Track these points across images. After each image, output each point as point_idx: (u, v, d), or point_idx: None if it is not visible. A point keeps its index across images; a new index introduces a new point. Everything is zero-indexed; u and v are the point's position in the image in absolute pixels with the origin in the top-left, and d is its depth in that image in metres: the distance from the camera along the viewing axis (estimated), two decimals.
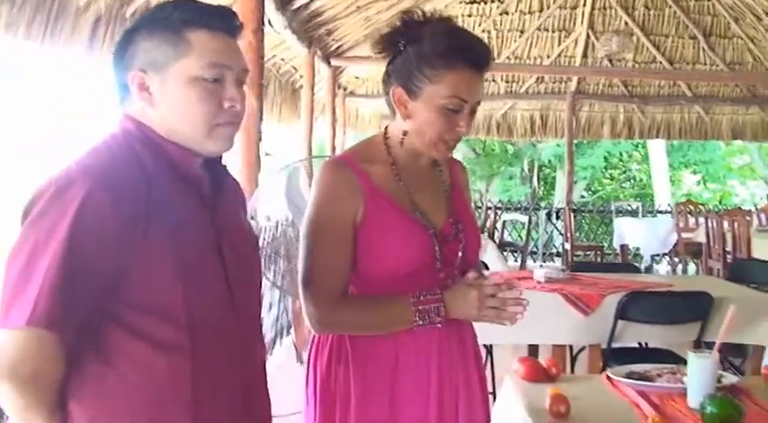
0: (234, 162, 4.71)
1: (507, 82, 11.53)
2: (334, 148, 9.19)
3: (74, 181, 1.32)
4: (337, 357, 1.86)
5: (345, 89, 10.90)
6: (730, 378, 2.36)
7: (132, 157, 1.40)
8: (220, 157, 1.55)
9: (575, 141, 12.19)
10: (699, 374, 2.11)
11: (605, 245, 11.86)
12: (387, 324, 1.84)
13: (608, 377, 2.38)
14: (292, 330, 6.47)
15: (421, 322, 1.79)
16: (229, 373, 1.47)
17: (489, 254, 6.53)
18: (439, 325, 1.80)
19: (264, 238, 5.58)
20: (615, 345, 4.01)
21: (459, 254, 1.89)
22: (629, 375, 2.35)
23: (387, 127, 1.93)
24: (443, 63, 1.78)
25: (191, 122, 1.44)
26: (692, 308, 3.96)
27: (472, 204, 2.07)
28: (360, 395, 1.83)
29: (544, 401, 2.06)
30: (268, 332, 6.23)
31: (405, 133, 1.87)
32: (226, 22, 1.48)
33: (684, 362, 3.85)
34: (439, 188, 1.95)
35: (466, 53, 1.79)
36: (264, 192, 4.39)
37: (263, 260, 5.11)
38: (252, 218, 4.35)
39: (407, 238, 1.82)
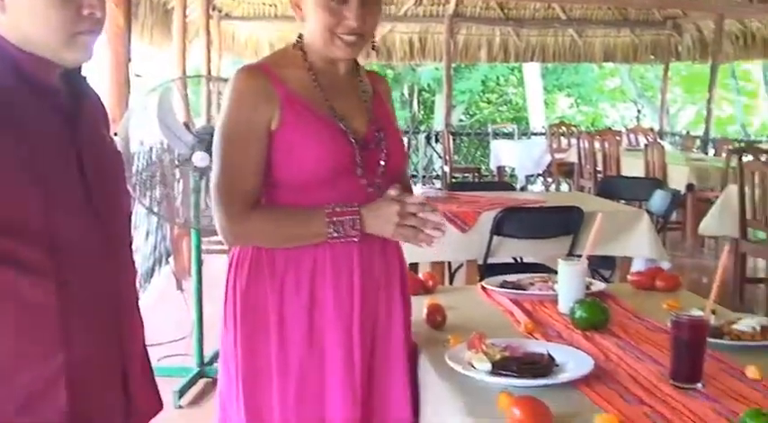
0: (101, 83, 4.52)
1: (386, 4, 11.44)
2: (209, 71, 8.92)
3: None
4: (256, 272, 1.82)
5: (221, 11, 10.58)
6: (598, 285, 2.46)
7: None
8: (79, 69, 1.46)
9: (453, 65, 12.28)
10: (568, 281, 2.18)
11: (483, 167, 12.13)
12: (301, 236, 1.80)
13: (483, 287, 2.44)
14: (171, 258, 6.37)
15: (335, 234, 1.76)
16: (98, 296, 1.41)
17: None
18: (355, 239, 1.78)
19: (139, 164, 5.42)
20: (491, 260, 4.12)
21: (382, 161, 1.86)
22: (503, 285, 2.42)
23: (301, 34, 1.88)
24: None
25: (47, 30, 1.35)
26: (563, 222, 4.09)
27: (396, 119, 2.03)
28: (278, 310, 1.80)
29: (421, 312, 2.09)
30: (146, 261, 6.11)
31: (300, 36, 1.85)
32: None
33: (556, 273, 4.01)
34: (359, 96, 1.91)
35: None
36: (135, 114, 4.23)
37: (138, 187, 4.98)
38: (117, 137, 4.19)
39: (326, 143, 1.79)
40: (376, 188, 1.83)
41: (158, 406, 1.61)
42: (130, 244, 1.59)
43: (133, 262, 1.58)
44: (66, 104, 1.40)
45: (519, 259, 4.69)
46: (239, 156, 1.79)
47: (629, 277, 2.62)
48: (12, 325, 1.30)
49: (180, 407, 3.72)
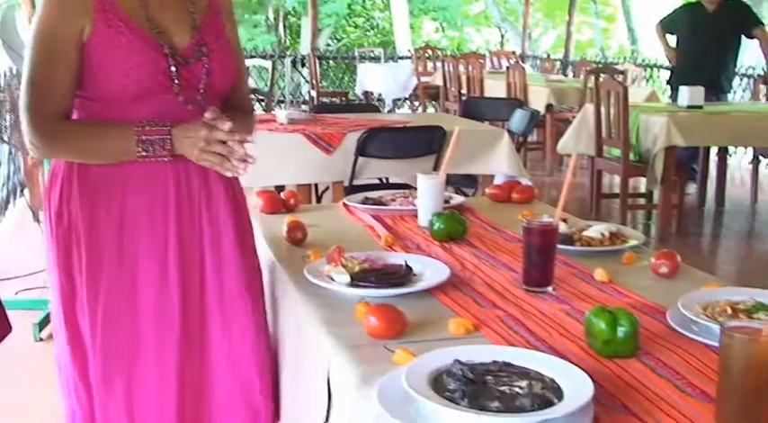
0: None
1: None
2: None
3: None
4: (68, 187, 1.76)
5: None
6: (457, 198, 2.50)
7: None
8: None
9: None
10: (427, 194, 2.21)
11: (350, 91, 12.06)
12: (109, 152, 1.73)
13: (345, 204, 2.44)
14: (26, 191, 6.09)
15: (144, 153, 1.70)
16: None
17: None
18: (165, 159, 1.71)
19: None
20: (357, 181, 4.13)
21: (203, 78, 1.78)
22: (365, 201, 2.43)
23: None
24: None
25: None
26: (426, 142, 4.13)
27: (236, 34, 1.94)
28: (88, 227, 1.75)
29: (282, 230, 2.08)
30: None
31: None
32: None
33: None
34: (185, 7, 1.81)
35: None
36: None
37: None
38: None
39: (137, 57, 1.70)
40: (197, 106, 1.76)
41: (7, 329, 1.54)
42: None
43: None
44: None
45: (385, 180, 4.72)
46: (47, 67, 1.70)
47: (486, 190, 2.68)
48: None
49: (40, 339, 3.60)
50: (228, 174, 1.71)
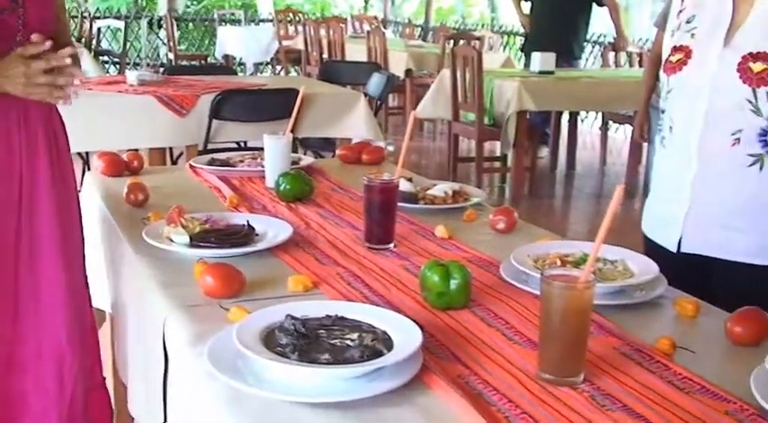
0: None
1: None
2: None
3: None
4: None
5: None
6: (307, 160, 2.50)
7: None
8: None
9: None
10: (273, 154, 2.19)
11: (210, 55, 11.79)
12: None
13: (191, 166, 2.39)
14: None
15: None
16: None
17: (84, 61, 6.16)
18: None
19: None
20: (213, 145, 4.06)
21: (19, 29, 1.74)
22: (211, 162, 2.39)
23: None
24: None
25: None
26: (283, 105, 4.07)
27: None
28: None
29: (123, 192, 2.02)
30: None
31: None
32: None
33: None
34: None
35: None
36: None
37: None
38: None
39: None
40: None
41: None
42: None
43: None
44: None
45: (243, 144, 4.66)
46: None
47: (337, 152, 2.69)
48: None
49: None
50: (60, 102, 1.70)
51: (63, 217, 1.88)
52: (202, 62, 10.71)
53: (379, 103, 5.11)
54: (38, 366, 1.88)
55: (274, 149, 2.18)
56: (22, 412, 1.90)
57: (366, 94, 4.77)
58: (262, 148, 4.02)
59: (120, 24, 10.40)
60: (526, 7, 7.13)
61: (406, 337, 1.20)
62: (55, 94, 1.68)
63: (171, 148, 4.53)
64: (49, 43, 1.67)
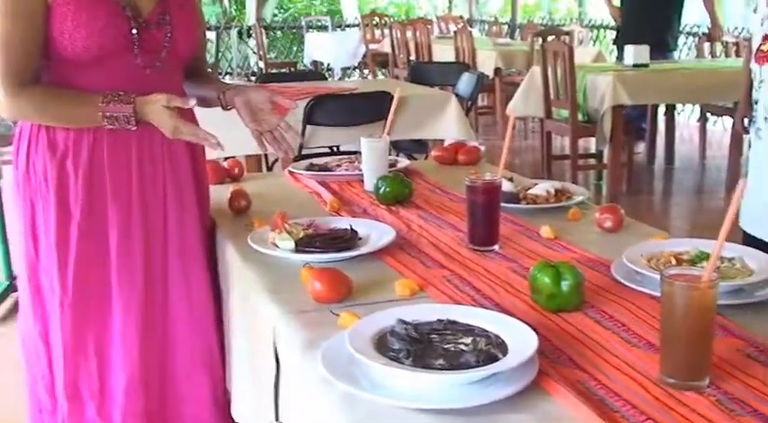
0: None
1: None
2: None
3: None
4: (35, 146, 1.78)
5: None
6: (403, 161, 2.49)
7: None
8: None
9: None
10: (371, 158, 2.19)
11: (299, 62, 11.93)
12: (75, 121, 1.76)
13: (290, 172, 2.41)
14: None
15: (111, 126, 1.72)
16: None
17: None
18: (132, 128, 1.73)
19: None
20: (307, 150, 4.09)
21: (165, 44, 1.80)
22: (310, 168, 2.40)
23: None
24: None
25: None
26: (375, 108, 4.09)
27: (199, 6, 1.96)
28: (57, 186, 1.77)
29: (226, 199, 2.04)
30: None
31: None
32: None
33: None
34: None
35: None
36: None
37: None
38: None
39: (98, 19, 1.70)
40: (155, 70, 1.80)
41: None
42: None
43: None
44: None
45: (336, 148, 4.69)
46: (12, 28, 1.69)
47: (432, 153, 2.67)
48: None
49: None
50: (206, 143, 1.75)
51: (203, 219, 1.94)
52: (292, 69, 10.85)
53: (469, 103, 5.06)
54: (191, 372, 1.90)
55: (372, 152, 2.18)
56: (178, 420, 1.92)
57: (457, 95, 4.73)
58: (356, 152, 4.07)
59: (212, 35, 10.62)
60: (616, 0, 6.98)
61: (520, 340, 1.17)
62: (201, 136, 1.73)
63: (266, 155, 4.58)
64: (193, 103, 1.73)
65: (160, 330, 1.86)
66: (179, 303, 1.87)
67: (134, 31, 1.75)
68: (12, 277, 3.83)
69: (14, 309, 3.71)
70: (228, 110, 1.94)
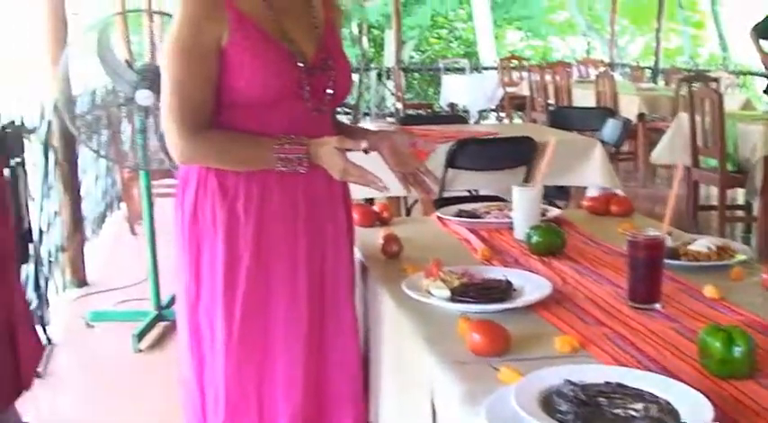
0: (38, 23, 4.35)
1: None
2: (150, 9, 8.68)
3: None
4: (204, 190, 1.83)
5: None
6: (553, 211, 2.45)
7: None
8: None
9: (401, 0, 12.09)
10: (523, 206, 2.16)
11: (435, 103, 12.03)
12: (248, 163, 1.81)
13: (439, 217, 2.41)
14: (122, 203, 6.25)
15: (284, 168, 1.78)
16: None
17: None
18: (303, 171, 1.78)
19: (82, 106, 5.26)
20: (446, 194, 4.10)
21: (329, 89, 1.86)
22: (459, 214, 2.40)
23: None
24: None
25: None
26: (516, 153, 4.08)
27: (344, 46, 2.02)
28: (226, 229, 1.81)
29: (377, 243, 2.06)
30: (97, 206, 5.99)
31: None
32: None
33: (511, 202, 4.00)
34: (310, 21, 1.89)
35: None
36: (75, 54, 4.09)
37: (83, 130, 4.84)
38: (57, 77, 4.04)
39: (273, 65, 1.77)
40: (322, 113, 1.86)
41: (41, 350, 1.52)
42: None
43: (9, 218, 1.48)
44: None
45: (474, 192, 4.68)
46: (188, 74, 1.76)
47: (583, 203, 2.62)
48: None
49: (139, 351, 3.67)
50: (373, 186, 1.77)
51: (352, 261, 1.98)
52: (428, 111, 10.95)
53: (613, 149, 4.96)
54: (340, 407, 1.92)
55: (524, 201, 2.16)
56: None
57: (600, 141, 4.65)
58: (499, 198, 4.05)
59: (354, 78, 10.84)
60: (766, 45, 6.72)
61: (692, 408, 1.12)
62: (368, 179, 1.76)
63: (405, 198, 4.62)
64: (364, 145, 1.77)
65: (314, 368, 1.89)
66: (331, 341, 1.90)
67: (303, 76, 1.81)
68: (159, 307, 3.98)
69: (161, 338, 3.87)
70: (367, 153, 1.94)
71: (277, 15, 1.82)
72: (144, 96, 3.62)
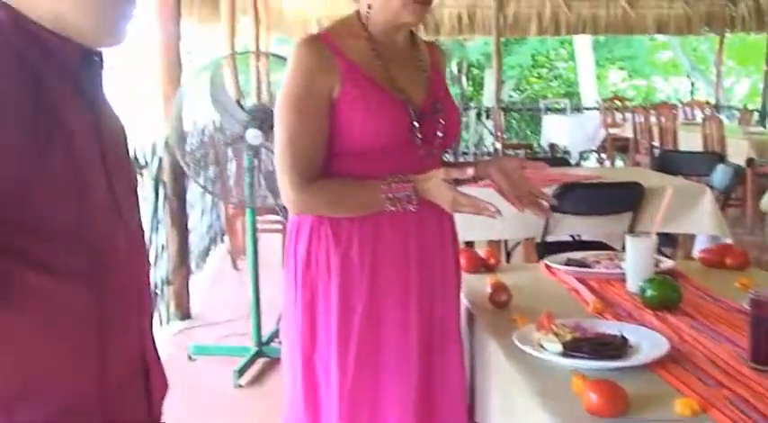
0: (153, 63, 4.52)
1: None
2: (258, 50, 8.93)
3: None
4: (317, 238, 1.85)
5: None
6: (667, 262, 2.38)
7: (8, 48, 1.16)
8: (99, 52, 1.38)
9: (502, 39, 12.08)
10: (637, 257, 2.11)
11: (535, 143, 11.93)
12: (359, 208, 1.83)
13: (546, 265, 2.37)
14: (226, 238, 6.39)
15: (393, 208, 1.79)
16: (126, 296, 1.34)
17: None
18: (413, 209, 1.79)
19: (192, 143, 5.42)
20: (549, 238, 4.04)
21: (440, 132, 1.88)
22: (568, 263, 2.35)
23: (369, 4, 1.87)
24: None
25: (95, 11, 1.27)
26: (623, 198, 4.00)
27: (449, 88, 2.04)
28: (340, 276, 1.83)
29: (484, 291, 2.04)
30: (202, 240, 6.14)
31: (369, 6, 1.85)
32: None
33: (617, 250, 3.91)
34: (417, 66, 1.93)
35: None
36: (188, 93, 4.22)
37: (191, 166, 4.99)
38: (171, 116, 4.18)
39: (386, 114, 1.80)
40: (433, 157, 1.88)
41: (166, 387, 1.54)
42: (143, 231, 1.50)
43: (147, 249, 1.51)
44: (87, 88, 1.32)
45: (577, 237, 4.60)
46: (300, 127, 1.80)
47: (696, 254, 2.55)
48: (47, 337, 1.18)
49: (239, 386, 3.72)
50: (486, 213, 1.78)
51: (459, 305, 1.98)
52: (528, 151, 10.87)
53: (723, 196, 4.81)
54: None
55: (638, 252, 2.10)
56: None
57: (709, 186, 4.52)
58: (603, 244, 3.96)
59: None
60: None
61: None
62: (481, 206, 1.76)
63: (506, 241, 4.58)
64: (471, 172, 1.77)
65: (423, 417, 1.87)
66: (439, 391, 1.89)
67: (415, 124, 1.83)
68: (260, 343, 4.03)
69: (261, 374, 3.91)
70: (476, 182, 1.93)
71: (385, 63, 1.85)
72: (254, 135, 3.71)
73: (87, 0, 1.24)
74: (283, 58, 4.14)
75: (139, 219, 1.42)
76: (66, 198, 1.19)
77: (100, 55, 1.32)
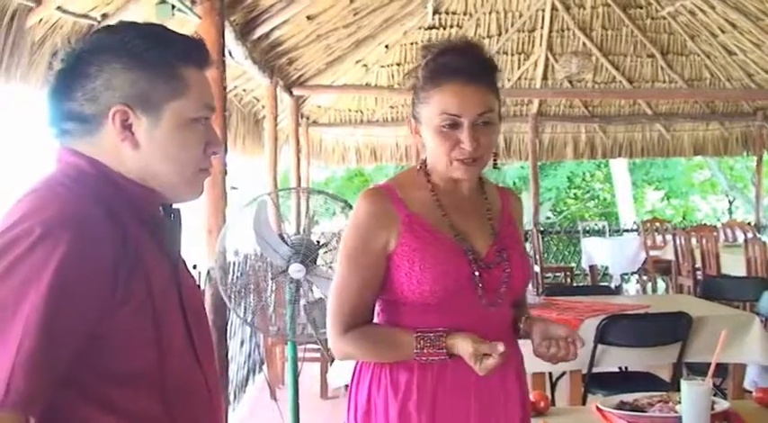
0: (201, 198, 4.61)
1: None
2: (299, 178, 9.10)
3: (47, 233, 1.12)
4: (377, 387, 1.84)
5: (308, 118, 10.81)
6: (722, 403, 2.30)
7: (99, 202, 1.22)
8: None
9: (538, 163, 12.19)
10: (694, 403, 2.05)
11: (574, 265, 11.83)
12: (393, 360, 1.83)
13: (599, 409, 2.31)
14: (265, 367, 6.35)
15: (424, 361, 1.79)
16: None
17: None
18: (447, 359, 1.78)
19: (233, 273, 5.47)
20: (595, 370, 3.96)
21: (504, 281, 1.84)
22: (620, 406, 2.29)
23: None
24: (430, 84, 1.81)
25: (178, 167, 1.31)
26: (671, 329, 3.93)
27: (522, 237, 2.02)
28: None
29: None
30: (240, 369, 6.10)
31: (424, 161, 1.89)
32: (205, 56, 1.39)
33: (666, 384, 3.81)
34: (483, 214, 1.92)
35: (448, 69, 1.79)
36: (233, 227, 4.28)
37: (233, 296, 5.01)
38: (216, 249, 4.23)
39: (443, 263, 1.79)
40: (497, 307, 1.83)
41: None
42: (217, 372, 1.51)
43: (223, 391, 1.52)
44: (165, 239, 1.35)
45: (624, 369, 4.50)
46: (351, 278, 1.83)
47: (753, 394, 2.46)
48: None
49: None
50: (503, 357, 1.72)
51: None
52: (567, 273, 10.79)
53: None
54: None
55: (695, 398, 2.04)
56: None
57: (758, 314, 4.43)
58: (650, 374, 3.86)
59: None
60: None
61: None
62: (499, 351, 1.71)
63: (550, 373, 4.48)
64: (501, 349, 1.69)
65: None
66: None
67: (476, 273, 1.80)
68: None
69: None
70: (520, 337, 1.93)
71: (447, 211, 1.85)
72: (296, 270, 3.72)
73: (179, 158, 1.29)
74: (324, 193, 4.24)
75: (216, 364, 1.44)
76: (140, 343, 1.21)
77: (178, 212, 1.38)
